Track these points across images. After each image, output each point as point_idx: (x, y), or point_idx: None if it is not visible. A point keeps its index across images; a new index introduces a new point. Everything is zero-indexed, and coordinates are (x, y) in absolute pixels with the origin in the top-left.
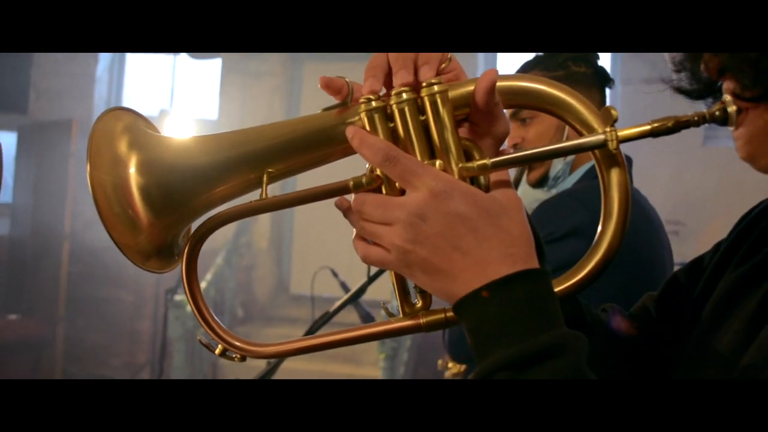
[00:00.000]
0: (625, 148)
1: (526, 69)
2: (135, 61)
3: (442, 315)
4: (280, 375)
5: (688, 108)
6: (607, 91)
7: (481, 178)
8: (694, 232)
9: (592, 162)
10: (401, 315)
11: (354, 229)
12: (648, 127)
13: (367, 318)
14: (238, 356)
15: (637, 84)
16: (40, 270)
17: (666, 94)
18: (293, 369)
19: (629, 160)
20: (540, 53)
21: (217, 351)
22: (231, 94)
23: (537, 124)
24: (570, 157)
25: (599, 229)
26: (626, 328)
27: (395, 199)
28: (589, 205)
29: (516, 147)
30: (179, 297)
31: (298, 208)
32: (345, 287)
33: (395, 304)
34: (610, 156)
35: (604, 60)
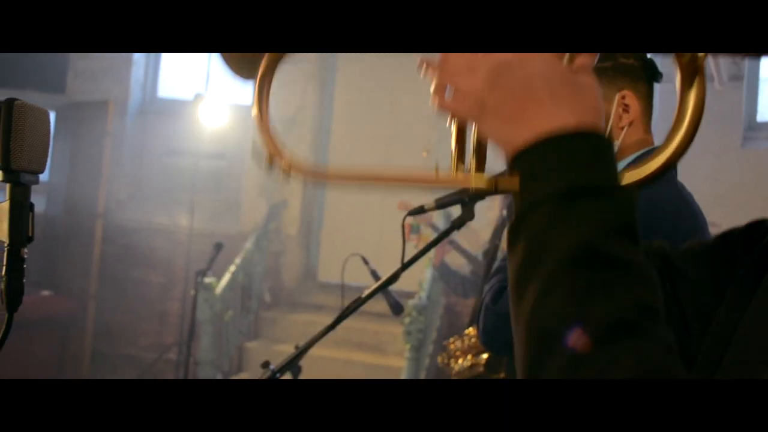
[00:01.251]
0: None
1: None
2: None
3: (493, 180)
4: (306, 361)
5: (725, 106)
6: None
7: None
8: None
9: (635, 155)
10: (453, 172)
11: (384, 218)
12: None
13: (396, 306)
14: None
15: (673, 82)
16: (73, 248)
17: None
18: (318, 356)
19: None
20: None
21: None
22: None
23: None
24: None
25: (671, 127)
26: (582, 345)
27: (483, 54)
28: None
29: None
30: (209, 279)
31: (329, 196)
32: (375, 275)
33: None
34: (695, 70)
35: None
